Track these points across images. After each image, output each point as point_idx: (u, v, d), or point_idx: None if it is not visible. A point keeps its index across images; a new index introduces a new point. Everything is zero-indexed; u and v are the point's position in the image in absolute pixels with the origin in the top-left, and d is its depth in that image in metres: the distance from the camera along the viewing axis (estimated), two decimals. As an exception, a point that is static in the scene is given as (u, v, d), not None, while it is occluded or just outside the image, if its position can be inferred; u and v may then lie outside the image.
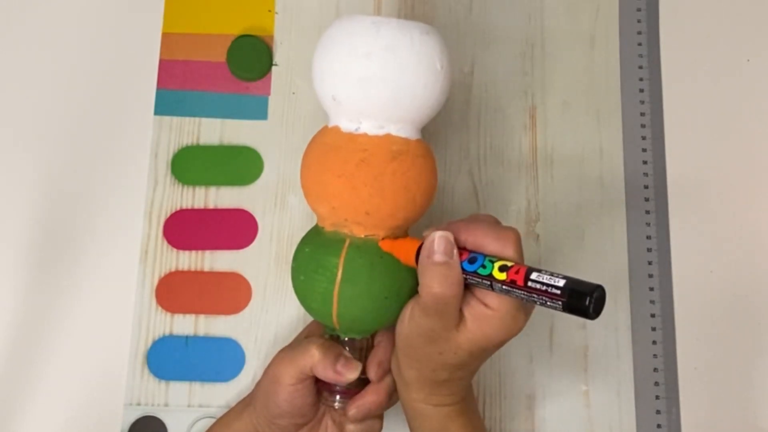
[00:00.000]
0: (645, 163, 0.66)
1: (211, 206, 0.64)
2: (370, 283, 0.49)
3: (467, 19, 0.68)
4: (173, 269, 0.63)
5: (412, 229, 0.52)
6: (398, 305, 0.49)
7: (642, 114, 0.66)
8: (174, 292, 0.63)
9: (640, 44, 0.68)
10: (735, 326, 0.63)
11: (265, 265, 0.63)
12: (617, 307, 0.63)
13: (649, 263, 0.64)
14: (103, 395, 0.61)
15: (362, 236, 0.50)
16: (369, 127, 0.49)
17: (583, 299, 0.41)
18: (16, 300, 0.62)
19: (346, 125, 0.50)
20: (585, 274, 0.62)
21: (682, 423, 0.61)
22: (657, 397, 0.62)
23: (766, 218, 0.65)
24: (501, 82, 0.67)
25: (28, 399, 0.61)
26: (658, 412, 0.61)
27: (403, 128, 0.50)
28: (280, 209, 0.64)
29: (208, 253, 0.63)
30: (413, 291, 0.49)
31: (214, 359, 0.62)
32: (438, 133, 0.66)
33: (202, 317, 0.62)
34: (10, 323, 0.62)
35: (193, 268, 0.63)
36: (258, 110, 0.66)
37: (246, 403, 0.55)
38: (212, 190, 0.64)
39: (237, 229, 0.64)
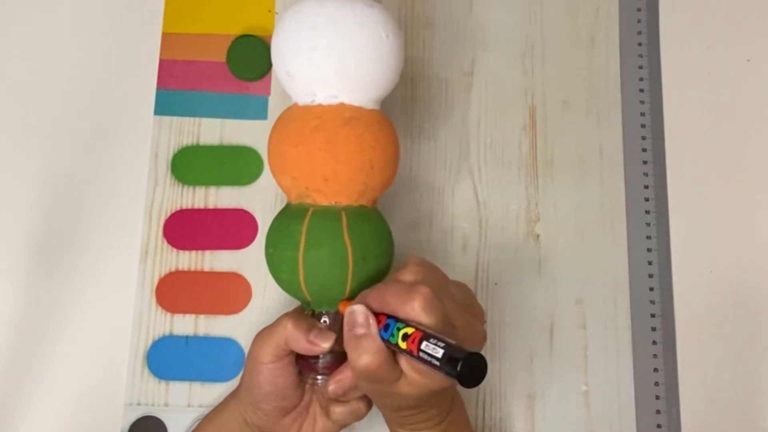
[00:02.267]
0: (645, 163, 0.66)
1: (211, 206, 0.64)
2: (332, 248, 0.50)
3: (467, 19, 0.68)
4: (173, 269, 0.63)
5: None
6: (365, 271, 0.51)
7: (642, 114, 0.66)
8: (174, 292, 0.63)
9: (640, 44, 0.68)
10: (735, 326, 0.63)
11: (265, 265, 0.63)
12: (617, 307, 0.63)
13: (649, 263, 0.64)
14: (103, 395, 0.61)
15: (324, 204, 0.51)
16: (323, 97, 0.52)
17: (455, 366, 0.42)
18: (16, 300, 0.62)
19: (303, 99, 0.53)
20: (585, 274, 0.63)
21: (682, 423, 0.61)
22: (657, 397, 0.62)
23: (766, 218, 0.65)
24: (501, 82, 0.67)
25: (28, 399, 0.61)
26: (658, 412, 0.61)
27: (357, 98, 0.52)
28: (280, 209, 0.64)
29: (208, 253, 0.63)
30: (382, 257, 0.51)
31: (214, 359, 0.62)
32: (438, 133, 0.66)
33: (202, 317, 0.62)
34: (11, 323, 0.62)
35: (193, 268, 0.63)
36: (258, 110, 0.66)
37: (232, 394, 0.56)
38: (212, 190, 0.64)
39: (237, 229, 0.64)
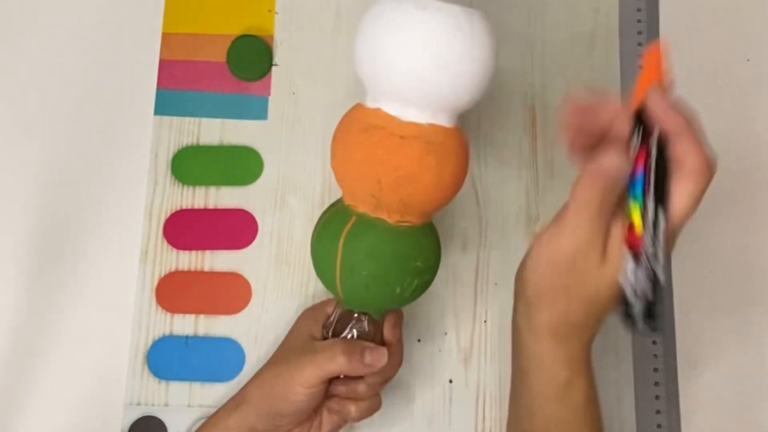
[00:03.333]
0: (645, 163, 0.65)
1: (211, 206, 0.64)
2: (370, 261, 0.50)
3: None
4: (173, 269, 0.63)
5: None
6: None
7: (642, 114, 0.66)
8: (174, 292, 0.63)
9: (640, 44, 0.68)
10: (735, 327, 0.63)
11: (265, 265, 0.63)
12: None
13: (649, 263, 0.64)
14: (103, 395, 0.61)
15: (370, 215, 0.51)
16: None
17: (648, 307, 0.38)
18: (16, 300, 0.62)
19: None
20: (585, 274, 0.63)
21: (682, 423, 0.61)
22: (657, 397, 0.62)
23: (766, 218, 0.65)
24: (501, 82, 0.67)
25: (28, 399, 0.61)
26: (658, 412, 0.61)
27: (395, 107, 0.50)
28: (280, 209, 0.64)
29: (208, 253, 0.63)
30: (415, 272, 0.51)
31: (214, 359, 0.62)
32: (438, 133, 0.66)
33: (202, 317, 0.62)
34: (11, 323, 0.62)
35: (193, 268, 0.63)
36: (258, 110, 0.66)
37: (238, 401, 0.54)
38: (212, 190, 0.64)
39: (237, 229, 0.64)
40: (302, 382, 0.50)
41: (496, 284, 0.63)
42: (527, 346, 0.48)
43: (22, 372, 0.61)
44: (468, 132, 0.66)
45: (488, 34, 0.49)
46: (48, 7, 0.68)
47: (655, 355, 0.62)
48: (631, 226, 0.40)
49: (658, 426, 0.61)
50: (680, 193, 0.42)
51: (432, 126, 0.49)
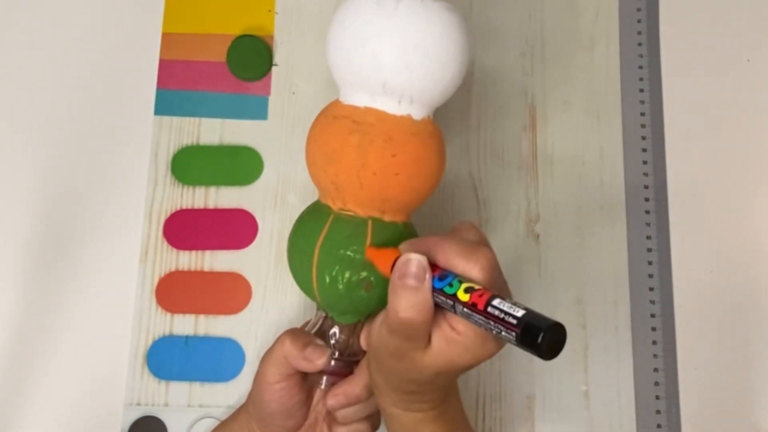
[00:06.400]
0: (645, 163, 0.66)
1: (211, 206, 0.64)
2: (341, 265, 0.48)
3: (467, 19, 0.68)
4: (173, 269, 0.63)
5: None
6: (377, 292, 0.49)
7: (642, 114, 0.66)
8: (174, 292, 0.63)
9: (640, 44, 0.68)
10: (735, 326, 0.63)
11: (265, 265, 0.63)
12: (617, 307, 0.63)
13: (649, 263, 0.64)
14: (103, 395, 0.61)
15: (350, 212, 0.49)
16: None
17: (537, 335, 0.39)
18: (16, 299, 0.62)
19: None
20: (585, 274, 0.63)
21: (682, 423, 0.61)
22: (657, 397, 0.62)
23: (766, 218, 0.65)
24: (501, 82, 0.67)
25: (28, 399, 0.61)
26: (658, 412, 0.61)
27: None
28: (280, 209, 0.64)
29: (208, 253, 0.63)
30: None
31: (214, 359, 0.62)
32: (438, 133, 0.66)
33: (202, 317, 0.62)
34: (11, 323, 0.62)
35: (193, 268, 0.63)
36: (258, 110, 0.66)
37: (243, 406, 0.55)
38: (212, 190, 0.64)
39: (237, 229, 0.64)
40: (266, 378, 0.50)
41: (496, 284, 0.63)
42: (376, 396, 0.50)
43: (22, 372, 0.61)
44: (468, 132, 0.66)
45: (429, 19, 0.48)
46: (48, 8, 0.68)
47: (655, 355, 0.62)
48: (473, 296, 0.42)
49: (658, 426, 0.61)
50: (477, 271, 0.43)
51: (369, 109, 0.48)
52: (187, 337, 0.62)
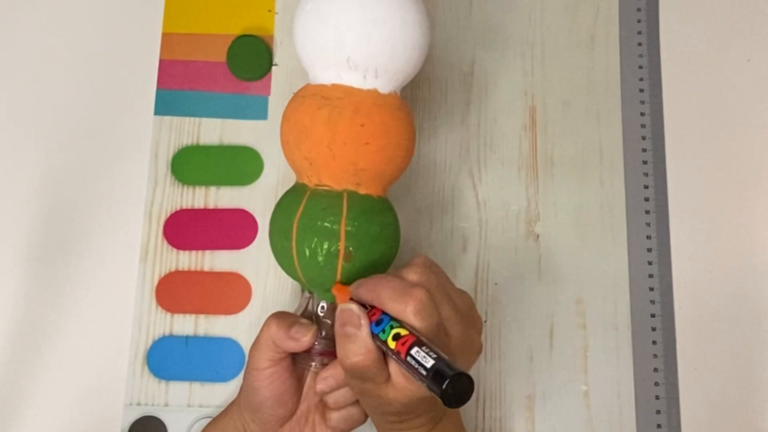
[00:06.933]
0: (645, 163, 0.66)
1: (211, 206, 0.64)
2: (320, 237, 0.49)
3: (467, 19, 0.68)
4: (173, 269, 0.63)
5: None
6: (363, 258, 0.50)
7: (642, 114, 0.66)
8: (174, 292, 0.63)
9: (640, 44, 0.68)
10: (735, 326, 0.63)
11: (265, 265, 0.63)
12: (617, 307, 0.63)
13: (649, 263, 0.64)
14: (103, 395, 0.61)
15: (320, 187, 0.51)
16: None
17: (441, 382, 0.40)
18: (16, 300, 0.62)
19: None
20: (585, 274, 0.63)
21: (682, 423, 0.61)
22: (657, 397, 0.62)
23: (766, 218, 0.65)
24: (501, 82, 0.67)
25: (28, 399, 0.61)
26: (658, 412, 0.61)
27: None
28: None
29: (208, 253, 0.63)
30: (380, 241, 0.50)
31: (214, 359, 0.62)
32: (438, 133, 0.66)
33: (202, 317, 0.62)
34: (10, 323, 0.62)
35: (193, 268, 0.63)
36: (258, 110, 0.66)
37: (235, 401, 0.55)
38: (212, 190, 0.64)
39: (237, 229, 0.64)
40: (256, 364, 0.51)
41: (496, 284, 0.63)
42: None
43: (22, 371, 0.61)
44: (468, 132, 0.66)
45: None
46: (48, 7, 0.68)
47: (655, 355, 0.62)
48: (398, 344, 0.43)
49: (658, 426, 0.61)
50: (408, 314, 0.45)
51: (336, 85, 0.51)
52: (187, 337, 0.62)
